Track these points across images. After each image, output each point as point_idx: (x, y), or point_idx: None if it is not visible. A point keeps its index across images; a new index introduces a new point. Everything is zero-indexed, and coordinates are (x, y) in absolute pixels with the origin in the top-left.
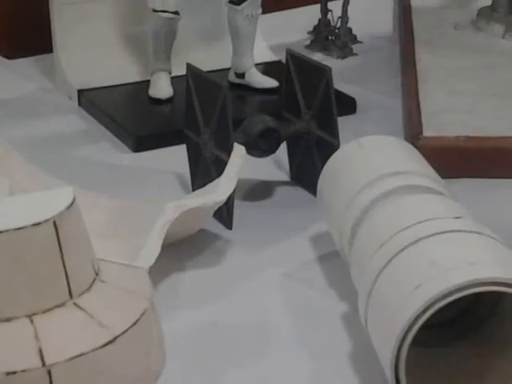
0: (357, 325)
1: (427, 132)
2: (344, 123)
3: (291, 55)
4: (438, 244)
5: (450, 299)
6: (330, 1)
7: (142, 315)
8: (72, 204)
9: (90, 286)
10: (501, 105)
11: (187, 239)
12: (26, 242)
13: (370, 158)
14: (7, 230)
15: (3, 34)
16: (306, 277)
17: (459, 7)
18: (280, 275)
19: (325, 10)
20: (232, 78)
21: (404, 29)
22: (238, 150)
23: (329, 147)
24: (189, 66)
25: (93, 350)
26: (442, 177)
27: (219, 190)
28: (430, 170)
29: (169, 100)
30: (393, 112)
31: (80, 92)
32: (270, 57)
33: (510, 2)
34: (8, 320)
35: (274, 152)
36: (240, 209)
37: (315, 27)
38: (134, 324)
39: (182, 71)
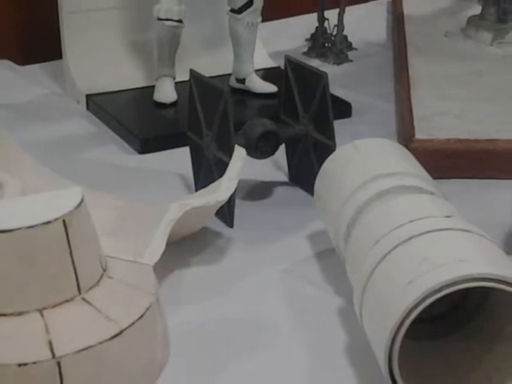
0: (352, 319)
1: (419, 135)
2: (340, 126)
3: (289, 61)
4: (430, 242)
5: (440, 294)
6: (327, 10)
7: (147, 310)
8: (81, 204)
9: (98, 282)
10: (489, 109)
11: (190, 237)
12: (37, 239)
13: (365, 160)
14: (19, 229)
15: (15, 41)
16: (304, 273)
17: (450, 16)
18: (279, 271)
19: (321, 19)
20: (233, 83)
21: (397, 36)
22: (239, 152)
23: (325, 149)
24: (192, 72)
25: (100, 343)
26: (434, 177)
27: (221, 190)
28: (422, 171)
29: (173, 104)
30: (386, 116)
31: (88, 96)
32: (270, 63)
33: (498, 11)
34: (19, 314)
35: (273, 154)
36: (241, 208)
37: (312, 35)
38: (140, 318)
39: (186, 77)
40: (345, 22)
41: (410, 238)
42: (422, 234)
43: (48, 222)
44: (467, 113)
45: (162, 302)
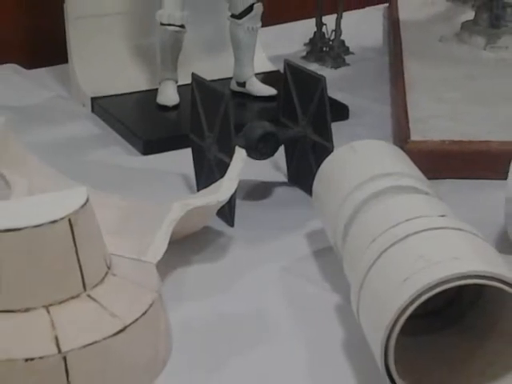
0: (349, 315)
1: (415, 136)
2: (337, 128)
3: (288, 65)
4: (425, 240)
5: (435, 291)
6: (325, 15)
7: (150, 306)
8: (86, 203)
9: (103, 279)
10: (482, 111)
11: (192, 236)
12: (44, 238)
13: (362, 161)
14: (26, 227)
15: (22, 45)
16: (303, 271)
17: (444, 21)
18: (278, 269)
19: (320, 24)
20: (234, 86)
21: (393, 41)
22: (240, 153)
23: (323, 150)
24: (194, 76)
25: (105, 339)
26: (428, 178)
27: (222, 190)
28: (417, 172)
29: (175, 107)
30: (383, 118)
31: (93, 99)
32: (269, 67)
33: (491, 17)
34: (26, 310)
35: (272, 155)
36: (241, 208)
37: (311, 39)
38: (143, 314)
39: (188, 80)
40: (342, 26)
41: (406, 237)
42: (417, 232)
43: (54, 221)
44: (461, 115)
45: (164, 299)
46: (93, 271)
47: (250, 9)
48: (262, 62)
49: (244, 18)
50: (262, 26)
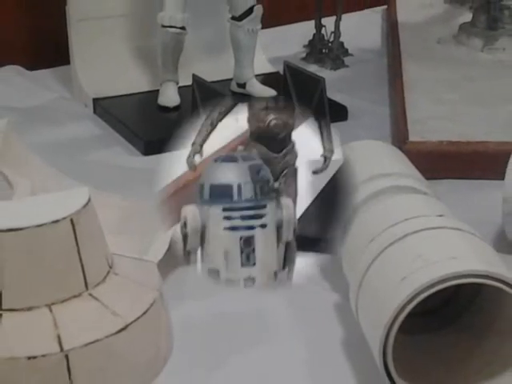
0: (349, 314)
1: (413, 137)
2: (336, 129)
3: (288, 67)
4: (423, 239)
5: (433, 290)
6: (324, 17)
7: (151, 305)
8: (88, 203)
9: (104, 278)
10: (479, 112)
11: None
12: (46, 237)
13: (361, 161)
14: (29, 227)
15: (24, 47)
16: (302, 270)
17: (442, 23)
18: None
19: (319, 26)
20: (234, 87)
21: (391, 43)
22: None
23: None
24: (194, 77)
25: (106, 337)
26: (427, 178)
27: None
28: (415, 172)
29: (176, 108)
30: (381, 119)
31: (95, 100)
32: (269, 68)
33: (489, 19)
34: (29, 309)
35: None
36: None
37: (310, 41)
38: (145, 313)
39: (189, 81)
40: (341, 28)
41: (405, 236)
42: (416, 231)
43: (56, 221)
44: (459, 116)
45: (165, 298)
46: (95, 270)
47: (250, 11)
48: (262, 64)
49: (244, 20)
50: (262, 28)
